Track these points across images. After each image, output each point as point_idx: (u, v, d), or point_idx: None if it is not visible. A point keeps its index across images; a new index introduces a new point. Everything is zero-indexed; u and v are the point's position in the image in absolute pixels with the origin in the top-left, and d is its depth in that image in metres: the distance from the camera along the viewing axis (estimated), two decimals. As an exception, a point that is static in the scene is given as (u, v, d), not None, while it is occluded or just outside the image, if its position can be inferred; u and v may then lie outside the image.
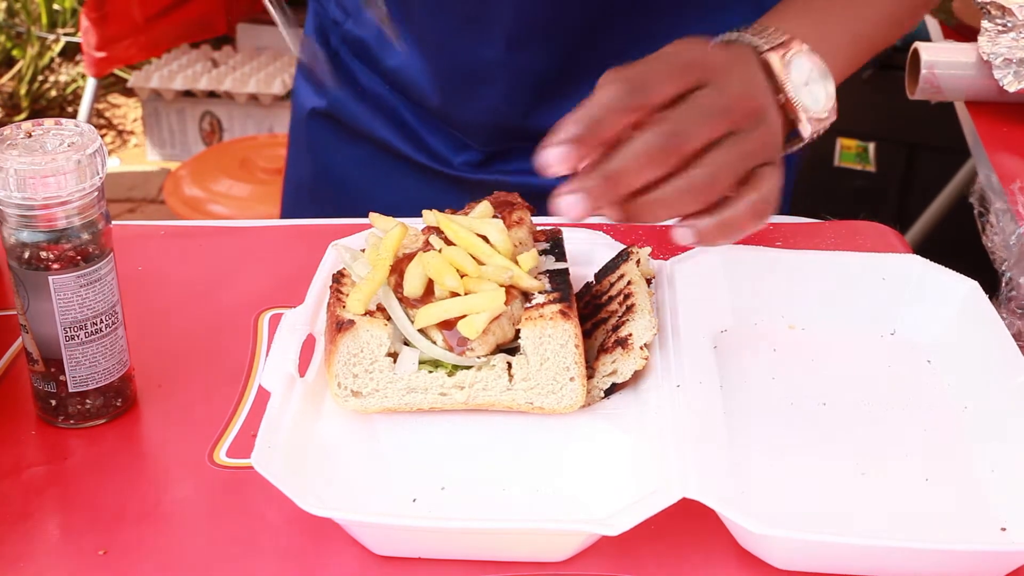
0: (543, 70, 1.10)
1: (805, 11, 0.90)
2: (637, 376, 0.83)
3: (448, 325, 0.81)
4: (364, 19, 1.26)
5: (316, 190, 1.33)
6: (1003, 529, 0.74)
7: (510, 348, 0.83)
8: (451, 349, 0.82)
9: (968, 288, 0.91)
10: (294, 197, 1.40)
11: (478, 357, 0.82)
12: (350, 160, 1.31)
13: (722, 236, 0.80)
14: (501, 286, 0.82)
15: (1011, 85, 1.27)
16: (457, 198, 1.18)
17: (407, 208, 1.04)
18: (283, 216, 1.43)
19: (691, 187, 0.78)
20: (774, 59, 0.84)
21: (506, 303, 0.81)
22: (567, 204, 0.76)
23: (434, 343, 0.82)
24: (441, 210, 0.89)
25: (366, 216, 0.90)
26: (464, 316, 0.80)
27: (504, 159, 1.25)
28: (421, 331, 0.82)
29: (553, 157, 0.76)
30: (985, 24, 1.28)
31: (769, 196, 0.80)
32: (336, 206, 1.25)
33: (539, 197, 1.19)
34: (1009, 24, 1.28)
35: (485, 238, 0.85)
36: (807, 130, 0.85)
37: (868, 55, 0.95)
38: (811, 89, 0.85)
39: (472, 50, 1.13)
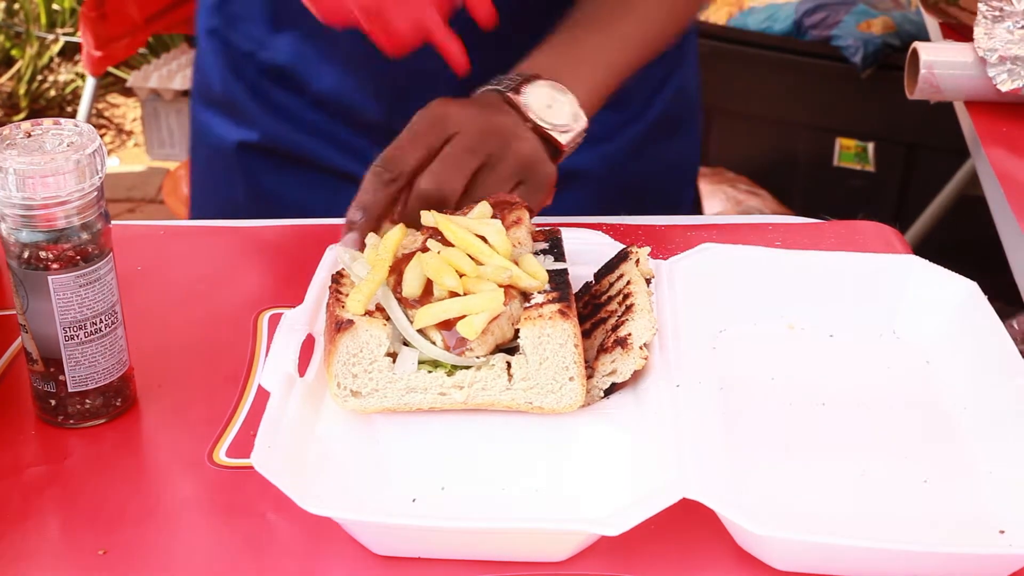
0: (484, 76, 1.10)
1: (548, 53, 1.05)
2: (637, 376, 0.83)
3: (447, 325, 0.81)
4: (278, 44, 1.23)
5: (254, 211, 1.28)
6: (1001, 532, 0.74)
7: (509, 348, 0.83)
8: (450, 349, 0.82)
9: (967, 289, 0.91)
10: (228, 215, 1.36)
11: (477, 357, 0.82)
12: (292, 184, 1.28)
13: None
14: (500, 286, 0.82)
15: (1004, 84, 1.27)
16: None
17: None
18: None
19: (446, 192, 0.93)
20: (515, 97, 1.00)
21: (505, 303, 0.81)
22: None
23: (433, 343, 0.82)
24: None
25: None
26: (463, 316, 0.80)
27: None
28: (420, 331, 0.82)
29: (349, 244, 0.92)
30: (981, 7, 1.28)
31: (533, 205, 0.96)
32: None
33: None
34: (1005, 11, 1.27)
35: (484, 238, 0.85)
36: (564, 139, 1.00)
37: (626, 73, 1.10)
38: (554, 109, 1.00)
39: (419, 59, 1.12)
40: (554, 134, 1.00)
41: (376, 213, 0.94)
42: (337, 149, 1.25)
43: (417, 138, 0.96)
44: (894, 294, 0.94)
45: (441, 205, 0.93)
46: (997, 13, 1.27)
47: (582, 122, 1.02)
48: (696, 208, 1.40)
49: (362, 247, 0.91)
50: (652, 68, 1.18)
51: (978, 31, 1.28)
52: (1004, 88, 1.27)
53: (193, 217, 1.40)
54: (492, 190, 0.95)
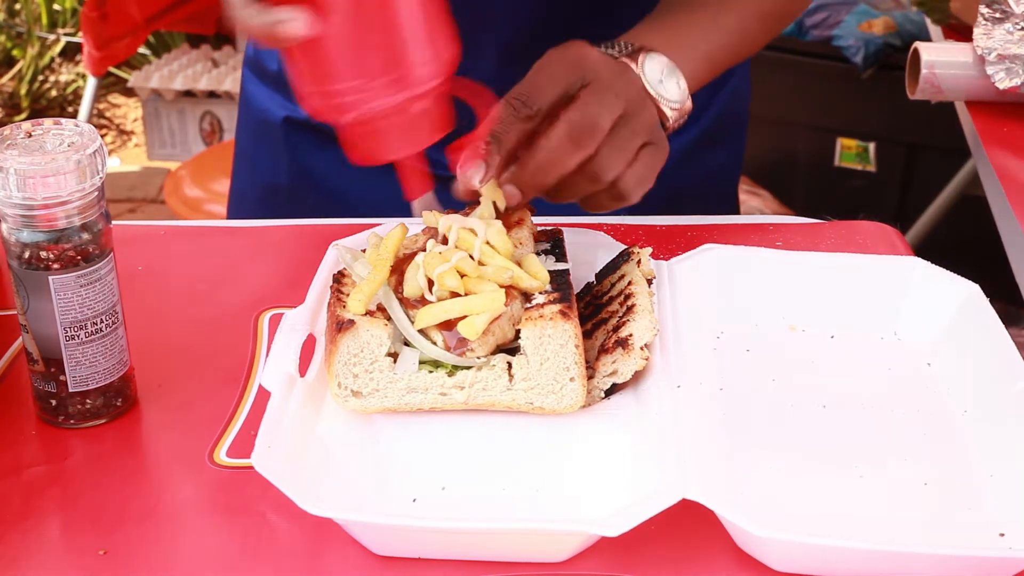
0: (539, 34, 1.10)
1: (656, 29, 1.02)
2: (637, 376, 0.83)
3: (448, 326, 0.81)
4: None
5: (295, 192, 1.30)
6: (1001, 534, 0.74)
7: (510, 348, 0.83)
8: (451, 350, 0.82)
9: (969, 291, 0.91)
10: (264, 200, 1.35)
11: (478, 357, 0.82)
12: (333, 163, 1.27)
13: (609, 206, 0.95)
14: (501, 287, 0.82)
15: (1002, 82, 1.27)
16: (443, 195, 1.18)
17: (390, 208, 1.05)
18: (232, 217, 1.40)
19: (601, 167, 0.91)
20: (631, 63, 0.96)
21: (506, 303, 0.81)
22: (508, 193, 0.90)
23: (434, 344, 0.82)
24: (441, 209, 0.90)
25: (351, 216, 0.92)
26: (464, 317, 0.80)
27: None
28: (421, 331, 0.82)
29: (471, 172, 0.88)
30: (982, 10, 1.28)
31: (650, 173, 0.95)
32: (318, 208, 1.24)
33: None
34: (1006, 12, 1.27)
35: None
36: (671, 117, 0.97)
37: (720, 67, 1.08)
38: (665, 84, 0.97)
39: (464, 68, 1.13)
40: (665, 109, 0.97)
41: (510, 146, 0.90)
42: None
43: (555, 78, 0.92)
44: (895, 296, 0.94)
45: (587, 140, 0.89)
46: (998, 15, 1.27)
47: (688, 103, 0.99)
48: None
49: (499, 175, 0.89)
50: None
51: (977, 31, 1.28)
52: (1002, 86, 1.27)
53: (233, 189, 1.41)
54: (624, 145, 0.92)
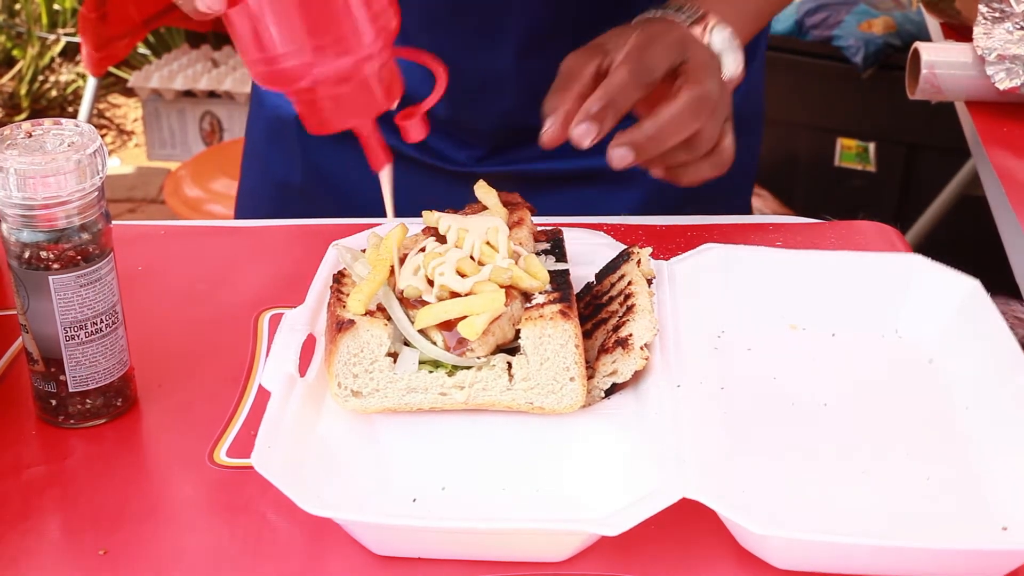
0: (553, 74, 1.10)
1: None
2: (637, 376, 0.83)
3: (448, 326, 0.81)
4: None
5: (307, 191, 1.30)
6: (1004, 528, 0.74)
7: (510, 348, 0.83)
8: (451, 350, 0.82)
9: (970, 287, 0.91)
10: (276, 199, 1.35)
11: (478, 357, 0.82)
12: (346, 160, 1.27)
13: (709, 174, 0.97)
14: (501, 287, 0.82)
15: (1002, 83, 1.27)
16: (457, 192, 1.17)
17: (406, 205, 1.05)
18: (240, 216, 1.40)
19: (705, 138, 0.93)
20: (697, 31, 0.98)
21: (506, 304, 0.81)
22: (617, 156, 0.91)
23: (434, 344, 0.82)
24: (441, 208, 0.90)
25: (364, 215, 0.91)
26: (464, 317, 0.80)
27: (507, 151, 1.24)
28: (421, 331, 0.82)
29: (582, 132, 0.90)
30: (982, 8, 1.28)
31: (733, 144, 0.97)
32: (328, 207, 1.24)
33: (539, 181, 1.17)
34: (1006, 12, 1.27)
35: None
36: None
37: (765, 20, 1.11)
38: (725, 57, 0.98)
39: (482, 61, 1.13)
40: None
41: (624, 111, 0.92)
42: (394, 133, 1.25)
43: (666, 53, 0.94)
44: (896, 293, 0.94)
45: (703, 112, 0.92)
46: (998, 14, 1.27)
47: (740, 77, 1.00)
48: None
49: (598, 139, 0.90)
50: None
51: (977, 31, 1.28)
52: (1002, 87, 1.27)
53: (242, 188, 1.40)
54: (721, 118, 0.94)
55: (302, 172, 1.30)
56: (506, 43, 1.14)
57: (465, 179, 1.25)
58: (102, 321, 0.85)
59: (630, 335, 0.83)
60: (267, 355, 0.89)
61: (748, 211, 1.37)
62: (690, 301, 0.90)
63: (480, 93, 1.18)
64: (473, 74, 1.16)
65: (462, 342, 0.81)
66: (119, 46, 3.10)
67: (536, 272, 0.84)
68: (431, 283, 0.83)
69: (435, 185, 1.26)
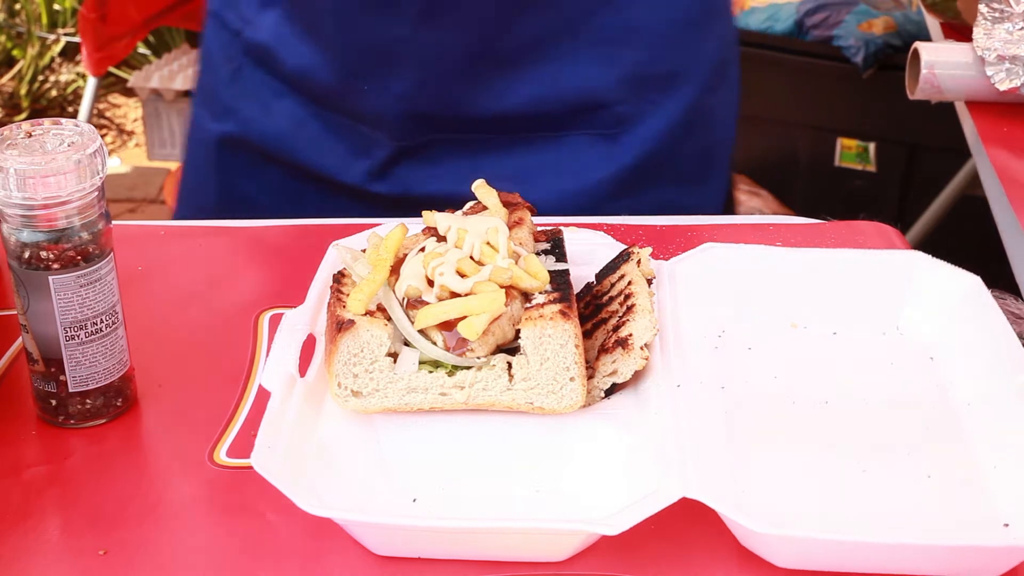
0: (456, 52, 1.06)
1: None
2: (637, 376, 0.83)
3: (448, 326, 0.81)
4: (263, 22, 1.21)
5: (220, 215, 1.27)
6: (1006, 525, 0.74)
7: (510, 348, 0.83)
8: (451, 350, 0.81)
9: (971, 283, 0.91)
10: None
11: (478, 358, 0.82)
12: (258, 186, 1.27)
13: None
14: (501, 287, 0.82)
15: (1002, 84, 1.27)
16: (367, 214, 1.13)
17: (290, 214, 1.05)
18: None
19: None
20: None
21: (506, 304, 0.81)
22: None
23: (434, 344, 0.82)
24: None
25: None
26: (464, 317, 0.80)
27: (421, 157, 1.20)
28: (421, 332, 0.82)
29: None
30: (982, 8, 1.28)
31: None
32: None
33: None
34: (1006, 12, 1.27)
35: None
36: None
37: None
38: None
39: (377, 28, 1.07)
40: None
41: None
42: (299, 136, 1.23)
43: None
44: (897, 290, 0.94)
45: None
46: (997, 14, 1.27)
47: None
48: (729, 203, 1.34)
49: None
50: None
51: (977, 31, 1.28)
52: (1002, 87, 1.27)
53: (175, 218, 1.40)
54: None
55: (216, 199, 1.29)
56: (402, 7, 1.10)
57: (373, 200, 1.20)
58: (102, 321, 0.85)
59: (630, 335, 0.83)
60: (267, 355, 0.89)
61: (729, 196, 1.34)
62: (690, 301, 0.90)
63: (375, 67, 1.14)
64: (366, 44, 1.12)
65: (462, 342, 0.81)
66: (119, 46, 3.10)
67: (536, 272, 0.84)
68: (431, 283, 0.82)
69: (341, 206, 1.22)
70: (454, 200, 0.97)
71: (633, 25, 1.14)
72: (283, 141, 1.24)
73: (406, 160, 1.21)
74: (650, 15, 1.15)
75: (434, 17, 1.00)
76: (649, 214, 1.12)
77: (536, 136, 1.16)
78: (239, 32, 1.24)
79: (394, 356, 0.82)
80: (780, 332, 0.94)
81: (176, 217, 1.39)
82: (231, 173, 1.29)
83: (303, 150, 1.23)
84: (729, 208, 1.33)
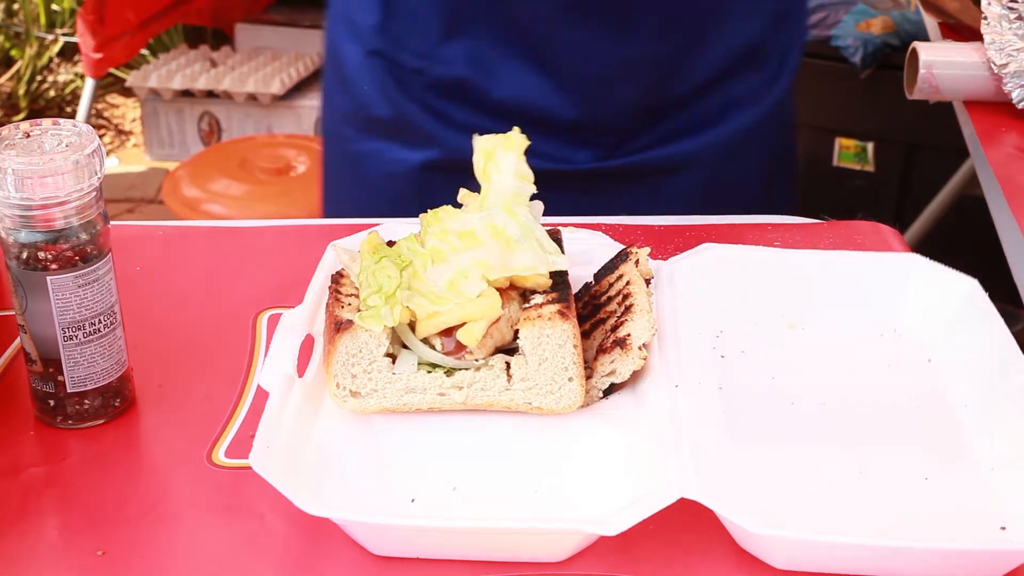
0: (677, 48, 1.10)
1: None
2: (636, 376, 0.83)
3: (447, 332, 0.81)
4: (450, 56, 1.21)
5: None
6: (1003, 528, 0.74)
7: (509, 348, 0.83)
8: (449, 353, 0.81)
9: (968, 286, 0.91)
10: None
11: (476, 360, 0.81)
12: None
13: None
14: (498, 288, 0.82)
15: (1022, 103, 1.26)
16: (574, 193, 1.17)
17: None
18: None
19: None
20: None
21: (503, 306, 0.81)
22: None
23: (433, 348, 0.82)
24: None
25: None
26: (463, 324, 0.80)
27: (627, 142, 1.24)
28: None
29: None
30: (993, 8, 1.27)
31: None
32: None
33: (660, 172, 1.22)
34: (1014, 12, 1.26)
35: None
36: None
37: None
38: None
39: (616, 50, 1.11)
40: None
41: None
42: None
43: None
44: (895, 292, 0.94)
45: None
46: (1005, 11, 1.26)
47: None
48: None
49: None
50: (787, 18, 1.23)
51: (988, 39, 1.27)
52: (1022, 106, 1.26)
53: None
54: None
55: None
56: (642, 26, 1.14)
57: (587, 178, 1.23)
58: (100, 322, 0.84)
59: (628, 335, 0.83)
60: (265, 355, 0.89)
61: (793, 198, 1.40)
62: (688, 301, 0.90)
63: (610, 86, 1.17)
64: (604, 67, 1.15)
65: (460, 346, 0.81)
66: (117, 48, 3.11)
67: (534, 266, 0.84)
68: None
69: (558, 189, 1.25)
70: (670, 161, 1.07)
71: None
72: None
73: (619, 145, 1.24)
74: None
75: (659, 33, 1.04)
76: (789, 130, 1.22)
77: (713, 93, 1.25)
78: (420, 70, 1.23)
79: (392, 356, 0.82)
80: (778, 333, 0.94)
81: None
82: (438, 193, 1.28)
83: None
84: None
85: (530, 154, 1.17)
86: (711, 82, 1.25)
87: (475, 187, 1.13)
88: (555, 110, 1.19)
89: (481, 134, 1.21)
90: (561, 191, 1.20)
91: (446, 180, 1.25)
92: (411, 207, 1.27)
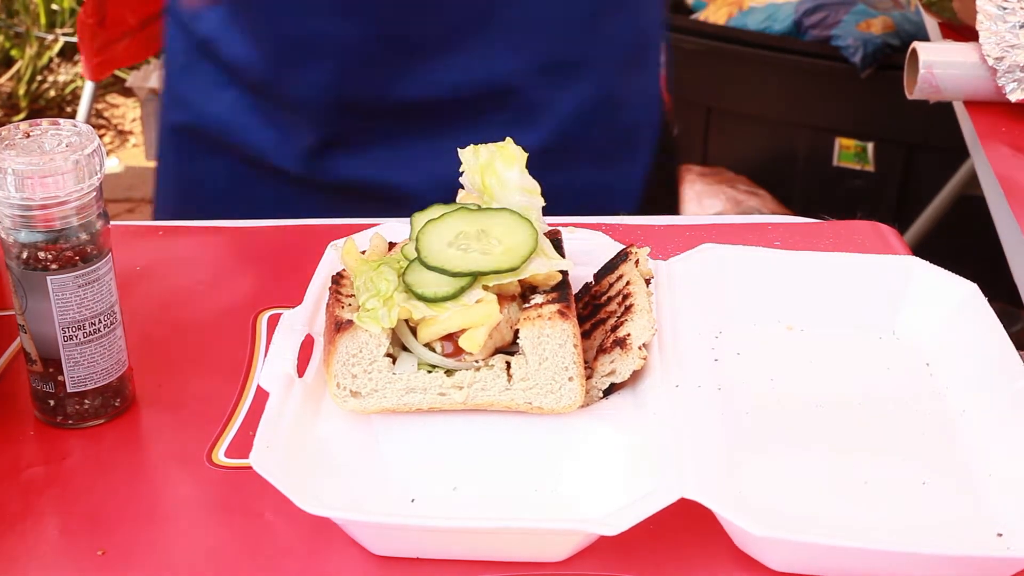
0: (372, 42, 1.09)
1: None
2: (636, 376, 0.83)
3: (448, 336, 0.81)
4: (208, 16, 1.25)
5: (184, 204, 1.33)
6: (999, 535, 0.74)
7: (509, 349, 0.83)
8: (449, 355, 0.81)
9: (967, 290, 0.91)
10: (165, 214, 1.39)
11: (476, 362, 0.82)
12: (208, 169, 1.31)
13: None
14: (497, 289, 0.82)
15: (1014, 94, 1.26)
16: (307, 200, 1.19)
17: (266, 215, 1.07)
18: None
19: None
20: None
21: (501, 309, 0.81)
22: None
23: (433, 351, 0.82)
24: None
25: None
26: (464, 330, 0.80)
27: (347, 144, 1.24)
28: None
29: None
30: (987, 7, 1.27)
31: None
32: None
33: (386, 198, 1.18)
34: (1005, 8, 1.27)
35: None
36: None
37: None
38: None
39: (299, 21, 1.11)
40: None
41: None
42: (240, 123, 1.27)
43: None
44: (894, 295, 0.94)
45: None
46: (999, 11, 1.27)
47: None
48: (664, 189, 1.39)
49: None
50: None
51: (983, 35, 1.27)
52: (1013, 98, 1.26)
53: (157, 202, 1.43)
54: None
55: (177, 189, 1.34)
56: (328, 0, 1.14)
57: (296, 183, 1.25)
58: (100, 321, 0.84)
59: (628, 335, 0.83)
60: (265, 355, 0.89)
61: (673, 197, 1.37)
62: (688, 301, 0.90)
63: (300, 57, 1.17)
64: (291, 34, 1.16)
65: (460, 349, 0.81)
66: (117, 50, 3.10)
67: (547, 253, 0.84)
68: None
69: (286, 192, 1.27)
70: (385, 188, 0.98)
71: (540, 16, 1.20)
72: (225, 127, 1.29)
73: (333, 147, 1.25)
74: (556, 5, 1.21)
75: (351, 10, 1.03)
76: (568, 192, 1.17)
77: (455, 122, 1.21)
78: (188, 25, 1.29)
79: (392, 357, 0.82)
80: (777, 334, 0.94)
81: (155, 209, 1.43)
82: (184, 158, 1.33)
83: (242, 136, 1.28)
84: (663, 195, 1.39)
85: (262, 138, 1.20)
86: (441, 106, 1.21)
87: (215, 161, 1.16)
88: (257, 72, 1.22)
89: (223, 98, 1.26)
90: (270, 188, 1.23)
91: (190, 146, 1.30)
92: (169, 173, 1.34)
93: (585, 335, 0.86)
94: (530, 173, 0.88)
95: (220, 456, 0.84)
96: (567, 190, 1.19)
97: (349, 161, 1.24)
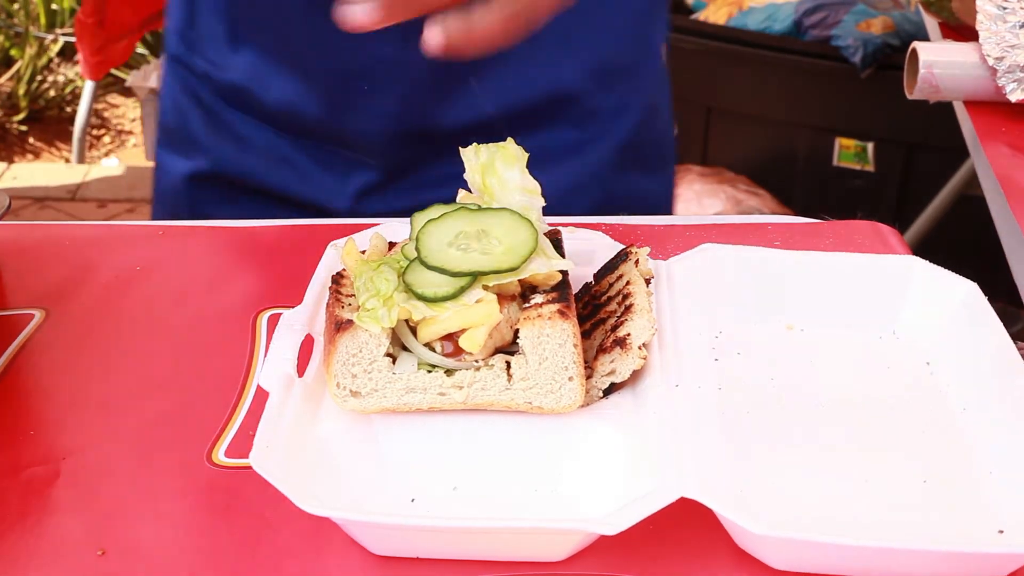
0: (428, 65, 1.08)
1: None
2: (636, 376, 0.83)
3: (448, 336, 0.81)
4: (235, 63, 1.22)
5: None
6: (1000, 531, 0.74)
7: (509, 348, 0.83)
8: (449, 355, 0.81)
9: (967, 289, 0.91)
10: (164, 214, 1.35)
11: (476, 362, 0.82)
12: (236, 215, 1.26)
13: (472, 39, 0.83)
14: (496, 290, 0.82)
15: (1014, 94, 1.26)
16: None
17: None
18: None
19: None
20: None
21: (501, 309, 0.81)
22: (357, 12, 0.80)
23: (433, 351, 0.82)
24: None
25: None
26: (464, 330, 0.80)
27: (407, 173, 1.22)
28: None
29: (358, 13, 0.80)
30: (987, 7, 1.27)
31: (522, 7, 0.83)
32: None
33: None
34: (1005, 8, 1.27)
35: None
36: None
37: None
38: None
39: (361, 49, 1.08)
40: None
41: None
42: (281, 168, 1.24)
43: None
44: (894, 295, 0.94)
45: None
46: (999, 11, 1.27)
47: None
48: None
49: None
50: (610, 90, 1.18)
51: (983, 35, 1.27)
52: (1014, 98, 1.26)
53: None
54: None
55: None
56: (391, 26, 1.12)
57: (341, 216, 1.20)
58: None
59: (628, 335, 0.83)
60: (265, 355, 0.89)
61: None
62: (688, 301, 0.90)
63: (359, 89, 1.14)
64: (350, 67, 1.13)
65: (460, 349, 0.81)
66: (116, 49, 3.11)
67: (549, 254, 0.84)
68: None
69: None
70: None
71: (593, 19, 1.18)
72: (262, 175, 1.26)
73: (394, 179, 1.22)
74: (609, 8, 1.19)
75: (413, 32, 1.02)
76: (621, 202, 1.15)
77: (516, 137, 1.19)
78: (208, 75, 1.25)
79: (392, 356, 0.82)
80: (777, 334, 0.94)
81: (154, 210, 1.40)
82: (205, 206, 1.29)
83: (286, 182, 1.25)
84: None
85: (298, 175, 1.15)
86: (498, 123, 1.18)
87: (246, 206, 1.14)
88: (309, 114, 1.18)
89: (253, 144, 1.22)
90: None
91: (210, 194, 1.27)
92: (188, 213, 1.28)
93: (585, 335, 0.86)
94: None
95: (220, 456, 0.84)
96: (623, 198, 1.20)
97: (407, 191, 1.21)
